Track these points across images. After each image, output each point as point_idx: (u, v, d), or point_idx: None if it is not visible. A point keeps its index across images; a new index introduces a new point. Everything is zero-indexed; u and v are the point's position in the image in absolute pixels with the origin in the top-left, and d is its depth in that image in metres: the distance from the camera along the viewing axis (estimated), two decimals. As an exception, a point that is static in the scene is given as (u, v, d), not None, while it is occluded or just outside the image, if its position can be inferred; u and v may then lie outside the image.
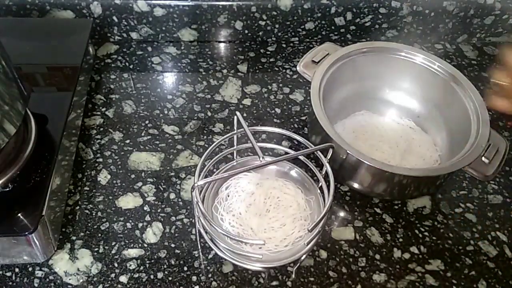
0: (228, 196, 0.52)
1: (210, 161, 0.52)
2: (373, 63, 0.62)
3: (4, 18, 0.70)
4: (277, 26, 0.75)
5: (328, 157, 0.49)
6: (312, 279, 0.50)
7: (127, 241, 0.52)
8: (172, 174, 0.58)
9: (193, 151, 0.61)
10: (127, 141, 0.61)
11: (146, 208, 0.55)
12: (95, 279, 0.49)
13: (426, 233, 0.54)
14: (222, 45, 0.76)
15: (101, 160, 0.59)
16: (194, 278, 0.49)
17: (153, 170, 0.58)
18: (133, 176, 0.58)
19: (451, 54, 0.78)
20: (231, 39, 0.76)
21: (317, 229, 0.46)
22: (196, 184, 0.43)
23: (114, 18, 0.72)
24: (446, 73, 0.59)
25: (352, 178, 0.54)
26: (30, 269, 0.49)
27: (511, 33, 0.79)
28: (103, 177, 0.57)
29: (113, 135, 0.62)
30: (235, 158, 0.55)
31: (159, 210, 0.55)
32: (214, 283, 0.49)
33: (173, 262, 0.50)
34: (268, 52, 0.75)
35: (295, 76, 0.71)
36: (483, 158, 0.51)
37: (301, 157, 0.54)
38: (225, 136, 0.51)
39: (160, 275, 0.49)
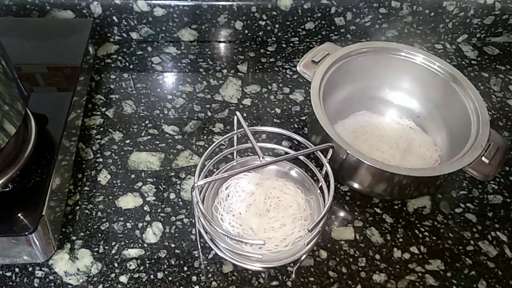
0: (228, 196, 0.52)
1: (210, 161, 0.52)
2: (373, 63, 0.62)
3: (4, 18, 0.70)
4: (277, 26, 0.75)
5: (328, 157, 0.49)
6: (312, 279, 0.50)
7: (127, 241, 0.52)
8: (172, 174, 0.58)
9: (193, 151, 0.61)
10: (127, 141, 0.61)
11: (146, 208, 0.55)
12: (95, 279, 0.49)
13: (426, 233, 0.54)
14: (222, 45, 0.76)
15: (101, 160, 0.59)
16: (194, 278, 0.49)
17: (153, 170, 0.58)
18: (133, 176, 0.58)
19: (451, 54, 0.78)
20: (231, 39, 0.76)
21: (317, 229, 0.46)
22: (196, 184, 0.43)
23: (114, 18, 0.72)
24: (446, 73, 0.59)
25: (352, 178, 0.54)
26: (30, 269, 0.49)
27: (511, 33, 0.79)
28: (103, 177, 0.57)
29: (113, 135, 0.62)
30: (235, 158, 0.55)
31: (159, 210, 0.55)
32: (214, 283, 0.49)
33: (173, 262, 0.50)
34: (268, 52, 0.75)
35: (295, 76, 0.71)
36: (483, 158, 0.51)
37: (301, 157, 0.54)
38: (225, 136, 0.51)
39: (160, 275, 0.49)
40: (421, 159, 0.58)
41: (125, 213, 0.54)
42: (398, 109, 0.64)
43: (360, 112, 0.64)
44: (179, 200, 0.56)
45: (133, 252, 0.51)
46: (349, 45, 0.61)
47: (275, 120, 0.65)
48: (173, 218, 0.54)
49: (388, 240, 0.53)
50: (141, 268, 0.50)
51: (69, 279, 0.49)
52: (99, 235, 0.52)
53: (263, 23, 0.74)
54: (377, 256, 0.52)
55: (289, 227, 0.49)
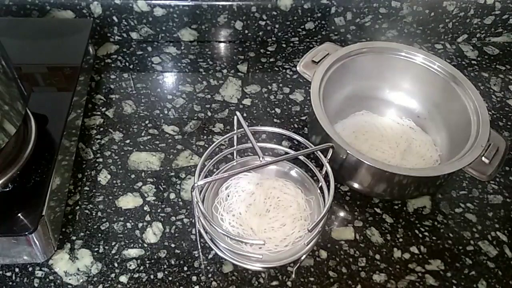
0: (228, 196, 0.52)
1: (210, 161, 0.52)
2: (373, 63, 0.62)
3: (4, 18, 0.70)
4: (277, 26, 0.75)
5: (328, 157, 0.49)
6: (312, 279, 0.50)
7: (127, 241, 0.52)
8: (172, 174, 0.58)
9: (193, 151, 0.61)
10: (127, 141, 0.61)
11: (146, 208, 0.55)
12: (95, 279, 0.49)
13: (426, 233, 0.54)
14: (222, 45, 0.76)
15: (101, 160, 0.59)
16: (194, 278, 0.49)
17: (153, 170, 0.58)
18: (133, 176, 0.58)
19: (451, 54, 0.78)
20: (231, 39, 0.76)
21: (317, 229, 0.46)
22: (196, 184, 0.43)
23: (114, 18, 0.72)
24: (446, 73, 0.59)
25: (352, 178, 0.54)
26: (30, 269, 0.49)
27: (511, 33, 0.79)
28: (103, 177, 0.57)
29: (113, 135, 0.62)
30: (235, 158, 0.55)
31: (159, 210, 0.55)
32: (214, 283, 0.49)
33: (173, 262, 0.50)
34: (268, 52, 0.75)
35: (295, 76, 0.71)
36: (483, 158, 0.51)
37: (301, 157, 0.54)
38: (225, 136, 0.51)
39: (160, 275, 0.49)
40: (421, 159, 0.58)
41: (125, 213, 0.54)
42: (398, 109, 0.64)
43: (360, 112, 0.64)
44: (179, 200, 0.56)
45: (133, 252, 0.51)
46: (349, 45, 0.61)
47: (275, 120, 0.65)
48: (173, 218, 0.54)
49: (388, 240, 0.53)
50: (141, 268, 0.50)
51: (69, 279, 0.49)
52: (99, 235, 0.52)
53: (263, 23, 0.74)
54: (377, 256, 0.52)
55: (289, 227, 0.49)
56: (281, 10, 0.72)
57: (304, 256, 0.48)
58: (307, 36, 0.77)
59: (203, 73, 0.71)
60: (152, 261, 0.50)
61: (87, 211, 0.54)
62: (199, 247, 0.51)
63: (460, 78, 0.58)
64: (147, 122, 0.64)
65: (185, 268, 0.50)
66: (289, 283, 0.49)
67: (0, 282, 0.48)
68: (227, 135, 0.52)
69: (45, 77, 0.61)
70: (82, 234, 0.52)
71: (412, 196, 0.57)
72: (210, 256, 0.51)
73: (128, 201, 0.55)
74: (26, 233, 0.45)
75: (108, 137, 0.61)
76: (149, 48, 0.74)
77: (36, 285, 0.48)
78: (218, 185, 0.53)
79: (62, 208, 0.53)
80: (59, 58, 0.63)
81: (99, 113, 0.65)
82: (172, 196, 0.56)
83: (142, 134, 0.62)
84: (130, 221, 0.53)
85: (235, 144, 0.54)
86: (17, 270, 0.49)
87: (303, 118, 0.66)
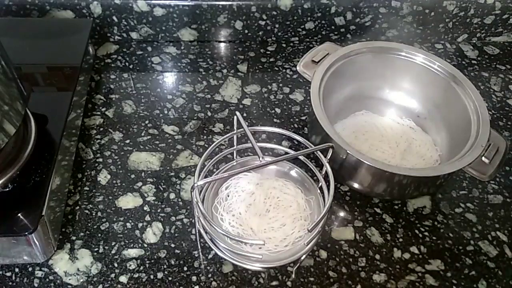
0: (228, 196, 0.52)
1: (210, 161, 0.52)
2: (373, 63, 0.62)
3: (4, 18, 0.70)
4: (277, 26, 0.75)
5: (328, 157, 0.49)
6: (312, 279, 0.50)
7: (127, 241, 0.52)
8: (172, 174, 0.58)
9: (193, 151, 0.61)
10: (127, 141, 0.61)
11: (146, 208, 0.55)
12: (95, 279, 0.49)
13: (426, 233, 0.54)
14: (222, 45, 0.76)
15: (101, 160, 0.59)
16: (194, 278, 0.49)
17: (153, 170, 0.58)
18: (133, 176, 0.58)
19: (451, 54, 0.78)
20: (231, 39, 0.76)
21: (317, 229, 0.46)
22: (196, 184, 0.43)
23: (114, 18, 0.72)
24: (446, 73, 0.59)
25: (352, 178, 0.54)
26: (30, 269, 0.49)
27: (511, 33, 0.79)
28: (103, 177, 0.57)
29: (113, 135, 0.62)
30: (235, 158, 0.55)
31: (159, 210, 0.55)
32: (214, 283, 0.49)
33: (173, 262, 0.50)
34: (268, 52, 0.75)
35: (295, 76, 0.71)
36: (483, 158, 0.50)
37: (301, 157, 0.54)
38: (225, 136, 0.51)
39: (160, 275, 0.49)
40: (421, 159, 0.58)
41: (125, 213, 0.54)
42: (398, 109, 0.64)
43: (360, 112, 0.64)
44: (179, 200, 0.56)
45: (133, 252, 0.51)
46: (349, 45, 0.61)
47: (275, 120, 0.65)
48: (173, 218, 0.54)
49: (388, 240, 0.53)
50: (141, 268, 0.50)
51: (69, 279, 0.49)
52: (99, 235, 0.52)
53: (263, 23, 0.74)
54: (377, 256, 0.52)
55: (289, 227, 0.49)
56: (281, 10, 0.72)
57: (304, 256, 0.48)
58: (307, 36, 0.77)
59: (203, 73, 0.71)
60: (152, 261, 0.50)
61: (87, 211, 0.54)
62: (199, 247, 0.51)
63: (460, 78, 0.58)
64: (147, 122, 0.64)
65: (185, 268, 0.50)
66: (289, 283, 0.49)
67: (0, 282, 0.48)
68: (227, 135, 0.52)
69: (45, 77, 0.61)
70: (82, 234, 0.52)
71: (412, 196, 0.57)
72: (210, 256, 0.51)
73: (128, 201, 0.55)
74: (26, 233, 0.45)
75: (108, 137, 0.61)
76: (149, 48, 0.74)
77: (36, 285, 0.48)
78: (218, 185, 0.53)
79: (62, 208, 0.53)
80: (59, 58, 0.63)
81: (99, 113, 0.65)
82: (172, 196, 0.56)
83: (142, 134, 0.62)
84: (130, 221, 0.53)
85: (235, 144, 0.54)
86: (17, 270, 0.49)
87: (303, 118, 0.66)
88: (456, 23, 0.77)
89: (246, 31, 0.75)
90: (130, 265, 0.50)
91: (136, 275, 0.49)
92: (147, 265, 0.50)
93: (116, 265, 0.50)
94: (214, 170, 0.56)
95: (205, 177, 0.50)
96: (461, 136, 0.55)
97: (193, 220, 0.54)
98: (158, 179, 0.57)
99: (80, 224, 0.53)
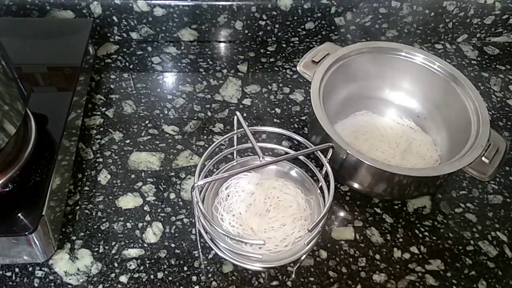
0: (228, 196, 0.52)
1: (210, 161, 0.52)
2: (373, 63, 0.62)
3: (4, 18, 0.70)
4: (277, 26, 0.75)
5: (328, 157, 0.49)
6: (312, 279, 0.50)
7: (127, 241, 0.52)
8: (172, 174, 0.58)
9: (193, 151, 0.61)
10: (127, 141, 0.61)
11: (146, 208, 0.55)
12: (95, 279, 0.49)
13: (426, 233, 0.54)
14: (222, 45, 0.76)
15: (101, 160, 0.59)
16: (194, 278, 0.49)
17: (153, 170, 0.58)
18: (133, 176, 0.58)
19: (451, 54, 0.78)
20: (231, 39, 0.76)
21: (317, 229, 0.46)
22: (196, 184, 0.43)
23: (114, 18, 0.72)
24: (446, 73, 0.59)
25: (352, 178, 0.54)
26: (30, 269, 0.49)
27: (511, 33, 0.79)
28: (103, 177, 0.57)
29: (113, 135, 0.62)
30: (235, 158, 0.55)
31: (159, 210, 0.55)
32: (214, 283, 0.49)
33: (173, 262, 0.50)
34: (268, 52, 0.75)
35: (295, 76, 0.71)
36: (483, 158, 0.50)
37: (301, 157, 0.54)
38: (225, 136, 0.51)
39: (160, 275, 0.49)
40: (421, 159, 0.58)
41: (125, 213, 0.54)
42: (398, 109, 0.64)
43: (360, 112, 0.64)
44: (179, 200, 0.56)
45: (133, 252, 0.51)
46: (349, 45, 0.61)
47: (275, 120, 0.65)
48: (173, 218, 0.54)
49: (388, 240, 0.53)
50: (141, 268, 0.50)
51: (69, 279, 0.49)
52: (99, 235, 0.52)
53: (263, 23, 0.74)
54: (377, 256, 0.52)
55: (289, 227, 0.49)
56: (281, 10, 0.72)
57: (304, 256, 0.48)
58: (307, 36, 0.77)
59: (203, 73, 0.71)
60: (152, 261, 0.50)
61: (87, 211, 0.54)
62: (199, 247, 0.51)
63: (460, 78, 0.58)
64: (147, 122, 0.64)
65: (185, 268, 0.50)
66: (289, 283, 0.49)
67: (0, 282, 0.48)
68: (227, 135, 0.52)
69: (45, 77, 0.61)
70: (82, 234, 0.52)
71: (412, 196, 0.57)
72: (210, 256, 0.51)
73: (128, 201, 0.55)
74: (26, 233, 0.45)
75: (108, 137, 0.61)
76: (149, 48, 0.74)
77: (36, 285, 0.48)
78: (218, 185, 0.53)
79: (62, 208, 0.53)
80: (59, 58, 0.63)
81: (99, 113, 0.65)
82: (172, 196, 0.56)
83: (142, 134, 0.62)
84: (130, 221, 0.53)
85: (235, 144, 0.54)
86: (17, 270, 0.49)
87: (303, 118, 0.66)
88: (456, 23, 0.77)
89: (246, 31, 0.75)
90: (130, 265, 0.50)
91: (136, 275, 0.49)
92: (147, 265, 0.50)
93: (116, 265, 0.50)
94: (214, 170, 0.56)
95: (205, 177, 0.51)
96: (461, 136, 0.55)
97: (193, 220, 0.54)
98: (158, 179, 0.57)
99: (80, 224, 0.53)
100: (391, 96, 0.64)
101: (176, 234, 0.53)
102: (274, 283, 0.49)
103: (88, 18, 0.71)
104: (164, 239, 0.52)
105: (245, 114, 0.66)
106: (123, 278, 0.49)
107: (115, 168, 0.58)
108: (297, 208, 0.51)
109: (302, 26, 0.75)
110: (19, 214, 0.46)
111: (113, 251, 0.51)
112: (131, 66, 0.71)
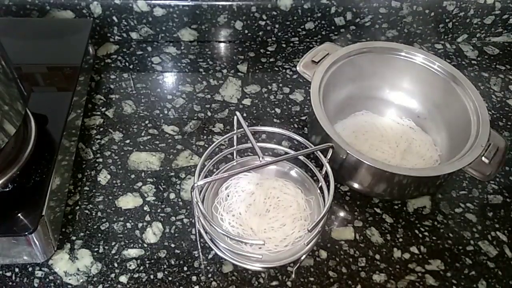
0: (228, 196, 0.52)
1: (210, 161, 0.52)
2: (373, 63, 0.62)
3: (4, 18, 0.70)
4: (277, 26, 0.75)
5: (328, 157, 0.49)
6: (312, 279, 0.50)
7: (127, 241, 0.52)
8: (172, 174, 0.58)
9: (193, 151, 0.61)
10: (127, 141, 0.61)
11: (146, 208, 0.55)
12: (95, 279, 0.49)
13: (426, 233, 0.54)
14: (222, 45, 0.76)
15: (101, 160, 0.59)
16: (194, 278, 0.49)
17: (153, 170, 0.58)
18: (133, 176, 0.58)
19: (451, 54, 0.78)
20: (231, 39, 0.76)
21: (317, 229, 0.46)
22: (196, 184, 0.43)
23: (114, 18, 0.72)
24: (446, 73, 0.59)
25: (352, 178, 0.54)
26: (30, 269, 0.49)
27: (511, 33, 0.79)
28: (103, 177, 0.57)
29: (113, 135, 0.62)
30: (235, 158, 0.55)
31: (159, 210, 0.55)
32: (214, 283, 0.49)
33: (173, 262, 0.50)
34: (268, 52, 0.75)
35: (295, 76, 0.71)
36: (483, 158, 0.50)
37: (301, 157, 0.54)
38: (225, 136, 0.51)
39: (160, 275, 0.49)
40: (421, 159, 0.58)
41: (125, 213, 0.54)
42: (398, 109, 0.64)
43: (360, 112, 0.64)
44: (179, 200, 0.56)
45: (133, 252, 0.51)
46: (349, 45, 0.61)
47: (275, 120, 0.65)
48: (173, 218, 0.54)
49: (388, 240, 0.53)
50: (141, 268, 0.50)
51: (69, 279, 0.49)
52: (99, 235, 0.52)
53: (263, 23, 0.74)
54: (377, 256, 0.52)
55: (289, 227, 0.49)
56: (281, 10, 0.72)
57: (304, 256, 0.48)
58: (307, 36, 0.77)
59: (203, 73, 0.71)
60: (152, 261, 0.50)
61: (87, 211, 0.54)
62: (199, 247, 0.51)
63: (460, 78, 0.58)
64: (147, 122, 0.64)
65: (185, 268, 0.50)
66: (289, 283, 0.49)
67: (0, 282, 0.48)
68: (227, 135, 0.52)
69: (45, 77, 0.61)
70: (82, 234, 0.52)
71: (412, 196, 0.57)
72: (210, 256, 0.51)
73: (128, 201, 0.55)
74: (26, 233, 0.45)
75: (108, 137, 0.61)
76: (149, 48, 0.74)
77: (36, 285, 0.48)
78: (218, 185, 0.53)
79: (62, 208, 0.53)
80: (59, 58, 0.63)
81: (99, 113, 0.65)
82: (172, 196, 0.56)
83: (142, 134, 0.62)
84: (130, 221, 0.53)
85: (235, 144, 0.54)
86: (17, 270, 0.49)
87: (303, 118, 0.66)
88: (456, 23, 0.77)
89: (246, 31, 0.75)
90: (130, 265, 0.50)
91: (136, 275, 0.49)
92: (147, 265, 0.50)
93: (116, 265, 0.50)
94: (214, 170, 0.56)
95: (205, 177, 0.51)
96: (461, 136, 0.55)
97: (193, 220, 0.54)
98: (158, 179, 0.57)
99: (80, 224, 0.53)
100: (391, 96, 0.64)
101: (176, 234, 0.53)
102: (274, 283, 0.49)
103: (88, 18, 0.71)
104: (164, 239, 0.52)
105: (245, 114, 0.66)
106: (123, 278, 0.49)
107: (115, 168, 0.58)
108: (297, 208, 0.51)
109: (302, 26, 0.75)
110: (19, 214, 0.46)
111: (113, 251, 0.51)
112: (131, 66, 0.71)
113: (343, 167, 0.53)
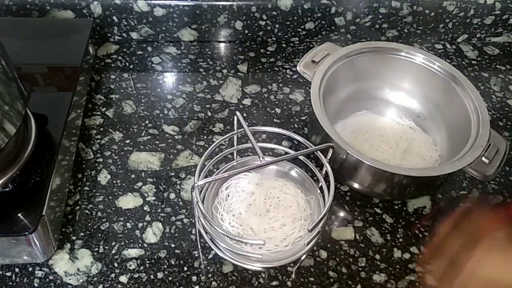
0: (228, 196, 0.52)
1: (210, 161, 0.52)
2: (373, 63, 0.62)
3: (4, 18, 0.70)
4: (277, 26, 0.75)
5: (328, 157, 0.49)
6: (312, 279, 0.50)
7: (127, 241, 0.52)
8: (172, 174, 0.58)
9: (193, 151, 0.61)
10: (127, 141, 0.61)
11: (146, 208, 0.55)
12: (95, 279, 0.49)
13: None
14: (222, 45, 0.76)
15: (101, 160, 0.59)
16: (194, 278, 0.49)
17: (153, 170, 0.58)
18: (133, 176, 0.58)
19: (451, 54, 0.78)
20: (231, 39, 0.76)
21: (317, 229, 0.46)
22: (196, 184, 0.43)
23: (114, 18, 0.72)
24: (446, 73, 0.59)
25: (352, 178, 0.54)
26: (30, 269, 0.49)
27: (511, 33, 0.79)
28: (103, 177, 0.57)
29: (113, 135, 0.62)
30: (235, 158, 0.55)
31: (159, 210, 0.55)
32: (214, 283, 0.49)
33: (173, 262, 0.50)
34: (268, 52, 0.75)
35: (295, 76, 0.71)
36: (483, 158, 0.51)
37: (301, 157, 0.54)
38: (225, 136, 0.51)
39: (160, 275, 0.49)
40: (421, 159, 0.58)
41: (125, 213, 0.54)
42: (398, 109, 0.64)
43: (360, 112, 0.64)
44: (179, 200, 0.56)
45: (133, 252, 0.51)
46: (349, 45, 0.61)
47: (275, 120, 0.65)
48: (173, 218, 0.54)
49: (388, 240, 0.53)
50: (141, 268, 0.50)
51: (69, 279, 0.49)
52: (99, 235, 0.52)
53: (263, 23, 0.74)
54: (377, 256, 0.52)
55: (289, 227, 0.49)
56: (281, 10, 0.72)
57: (304, 256, 0.48)
58: (307, 36, 0.77)
59: (203, 73, 0.71)
60: (152, 261, 0.50)
61: (87, 211, 0.54)
62: (199, 247, 0.51)
63: (460, 78, 0.58)
64: (147, 122, 0.64)
65: (185, 268, 0.50)
66: (289, 283, 0.49)
67: (0, 282, 0.48)
68: (227, 135, 0.52)
69: (45, 77, 0.61)
70: (82, 234, 0.52)
71: (412, 196, 0.57)
72: (210, 256, 0.51)
73: (128, 201, 0.55)
74: (26, 233, 0.45)
75: (108, 137, 0.61)
76: (149, 48, 0.74)
77: (36, 285, 0.48)
78: (218, 185, 0.53)
79: (62, 208, 0.53)
80: (59, 58, 0.63)
81: (99, 113, 0.65)
82: (172, 196, 0.56)
83: (142, 134, 0.62)
84: (130, 221, 0.53)
85: (235, 144, 0.54)
86: (17, 270, 0.49)
87: (303, 118, 0.66)
88: (456, 23, 0.77)
89: (246, 31, 0.75)
90: (130, 265, 0.50)
91: (136, 275, 0.49)
92: (147, 265, 0.50)
93: (116, 265, 0.50)
94: (214, 170, 0.56)
95: (205, 177, 0.51)
96: (461, 136, 0.55)
97: (193, 220, 0.54)
98: (158, 179, 0.57)
99: (80, 224, 0.53)
100: (391, 96, 0.64)
101: (176, 234, 0.53)
102: (274, 283, 0.49)
103: (88, 18, 0.71)
104: (164, 239, 0.52)
105: (245, 114, 0.66)
106: (123, 278, 0.49)
107: (115, 168, 0.58)
108: (297, 208, 0.51)
109: (302, 26, 0.75)
110: (19, 214, 0.46)
111: (113, 251, 0.51)
112: (131, 66, 0.71)
113: (343, 167, 0.53)
